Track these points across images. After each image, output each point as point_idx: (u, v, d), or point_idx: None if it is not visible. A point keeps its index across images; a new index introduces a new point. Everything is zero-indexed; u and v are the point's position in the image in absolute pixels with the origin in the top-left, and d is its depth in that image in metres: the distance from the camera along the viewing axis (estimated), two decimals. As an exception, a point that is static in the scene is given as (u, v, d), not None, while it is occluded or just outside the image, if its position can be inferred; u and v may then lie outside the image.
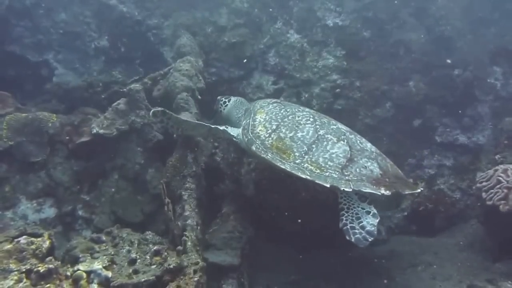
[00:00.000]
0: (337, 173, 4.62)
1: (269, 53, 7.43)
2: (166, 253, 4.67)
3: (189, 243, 4.61)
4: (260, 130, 5.21)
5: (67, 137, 6.03)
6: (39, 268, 3.93)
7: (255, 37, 7.48)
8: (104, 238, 4.91)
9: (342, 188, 4.50)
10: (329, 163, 4.70)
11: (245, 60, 7.34)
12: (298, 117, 5.23)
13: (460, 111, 6.86)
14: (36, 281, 3.88)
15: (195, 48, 6.94)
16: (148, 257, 4.64)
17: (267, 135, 5.12)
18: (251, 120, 5.44)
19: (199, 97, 6.30)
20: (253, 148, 5.09)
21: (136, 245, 4.83)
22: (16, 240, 4.22)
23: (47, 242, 4.35)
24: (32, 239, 4.27)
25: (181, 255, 4.46)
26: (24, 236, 4.27)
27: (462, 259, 5.61)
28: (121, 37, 7.64)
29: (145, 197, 5.94)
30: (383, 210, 5.90)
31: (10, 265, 3.95)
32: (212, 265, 4.77)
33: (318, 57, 7.23)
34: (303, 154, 4.81)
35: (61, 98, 6.65)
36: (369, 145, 5.09)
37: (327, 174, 4.63)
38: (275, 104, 5.58)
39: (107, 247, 4.78)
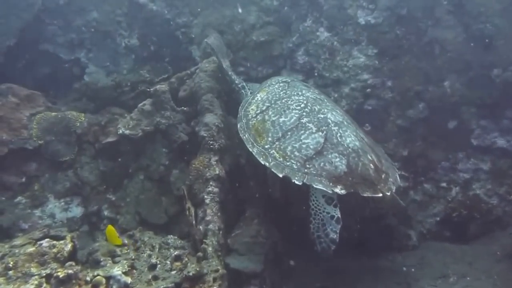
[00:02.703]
0: (298, 164, 4.64)
1: (298, 51, 7.23)
2: (187, 259, 4.68)
3: (210, 249, 4.59)
4: (251, 109, 5.37)
5: (94, 137, 6.11)
6: (59, 273, 4.00)
7: (284, 36, 7.29)
8: (126, 241, 4.96)
9: (293, 181, 4.53)
10: (295, 152, 4.72)
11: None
12: (292, 101, 5.25)
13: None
14: (55, 286, 3.94)
15: (222, 48, 6.85)
16: (169, 262, 4.65)
17: (254, 115, 5.26)
18: (251, 97, 5.61)
19: (225, 97, 6.23)
20: (238, 126, 5.27)
21: (157, 249, 4.85)
22: (39, 243, 4.30)
23: (69, 245, 4.42)
24: (54, 242, 4.36)
25: (201, 262, 4.44)
26: (47, 239, 4.36)
27: (499, 271, 5.30)
28: (150, 36, 7.62)
29: (169, 198, 5.93)
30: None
31: (31, 269, 4.04)
32: (233, 271, 4.71)
33: (348, 56, 6.98)
34: (275, 140, 4.88)
35: (90, 97, 6.70)
36: (349, 139, 4.91)
37: (287, 164, 4.67)
38: (281, 84, 5.70)
39: (128, 250, 4.84)
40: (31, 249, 4.22)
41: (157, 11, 7.52)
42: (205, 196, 5.15)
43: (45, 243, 4.30)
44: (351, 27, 7.06)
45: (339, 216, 4.63)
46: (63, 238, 4.53)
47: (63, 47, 7.48)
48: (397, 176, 5.27)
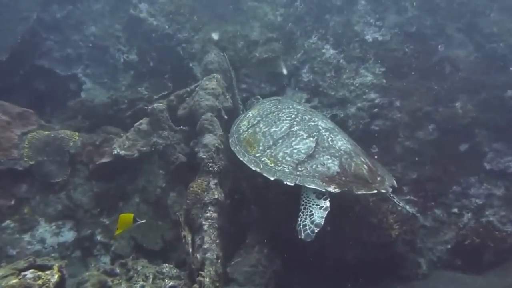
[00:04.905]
0: (290, 168, 4.74)
1: (303, 69, 7.01)
2: (182, 290, 4.37)
3: (207, 280, 4.32)
4: (243, 125, 5.56)
5: (88, 157, 5.83)
6: (41, 310, 3.68)
7: (288, 52, 7.08)
8: (118, 270, 4.65)
9: (285, 182, 4.61)
10: (286, 158, 4.83)
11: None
12: (283, 113, 5.45)
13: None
14: (37, 324, 3.63)
15: (223, 65, 6.60)
16: (163, 295, 4.34)
17: (245, 130, 5.43)
18: (243, 115, 5.88)
19: (226, 117, 5.96)
20: (230, 140, 5.41)
21: (151, 279, 4.55)
22: (23, 274, 3.99)
23: (56, 276, 4.10)
24: (40, 273, 4.03)
25: (197, 295, 4.15)
26: (31, 270, 4.02)
27: (516, 308, 5.01)
28: (150, 51, 7.41)
29: (166, 222, 5.66)
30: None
31: (13, 304, 3.72)
32: (232, 304, 4.46)
33: (355, 74, 6.74)
34: (266, 148, 5.01)
35: (86, 115, 6.44)
36: (341, 143, 5.03)
37: (279, 168, 4.76)
38: (273, 101, 5.95)
39: (120, 281, 4.54)
40: (14, 281, 3.88)
41: (157, 25, 7.33)
42: (203, 222, 4.87)
43: (29, 274, 3.97)
44: (358, 44, 6.86)
45: (328, 205, 4.52)
46: (50, 267, 4.20)
47: (59, 62, 7.30)
48: (394, 181, 5.19)
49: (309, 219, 4.49)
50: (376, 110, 6.54)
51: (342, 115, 6.55)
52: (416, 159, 6.36)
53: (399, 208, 5.69)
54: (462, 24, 6.59)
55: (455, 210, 6.21)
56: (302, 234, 4.40)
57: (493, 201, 6.17)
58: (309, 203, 4.64)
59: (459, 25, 6.59)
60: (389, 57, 6.70)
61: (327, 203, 4.53)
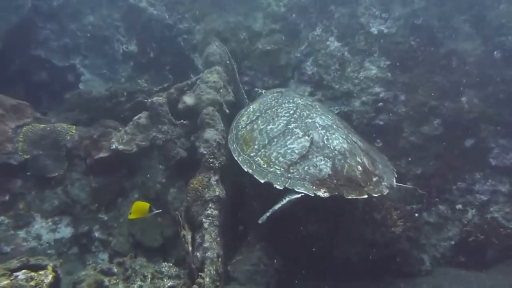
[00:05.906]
0: (282, 169, 4.64)
1: (307, 61, 6.87)
2: (182, 291, 4.26)
3: (207, 280, 4.22)
4: (242, 121, 5.46)
5: (85, 152, 5.70)
6: (33, 313, 3.56)
7: (291, 44, 6.94)
8: (115, 269, 4.52)
9: (275, 186, 4.53)
10: (280, 158, 4.73)
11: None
12: (282, 108, 5.31)
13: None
14: (29, 328, 3.51)
15: (225, 57, 6.44)
16: (162, 295, 4.23)
17: (244, 126, 5.33)
18: (244, 109, 5.76)
19: (227, 111, 5.81)
20: (229, 137, 5.33)
21: (149, 279, 4.42)
22: (15, 274, 3.86)
23: (50, 277, 3.98)
24: (33, 274, 3.90)
25: (197, 295, 4.04)
26: (24, 271, 3.90)
27: (520, 306, 4.93)
28: (150, 42, 7.24)
29: (165, 219, 5.49)
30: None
31: (3, 307, 3.60)
32: (232, 304, 4.37)
33: (359, 67, 6.61)
34: (261, 148, 4.92)
35: (83, 108, 6.29)
36: (336, 142, 4.87)
37: (271, 170, 4.68)
38: (275, 94, 5.80)
39: (117, 280, 4.40)
40: (4, 282, 3.75)
41: (157, 15, 7.15)
42: (204, 220, 4.75)
43: (21, 275, 3.83)
44: (363, 37, 6.72)
45: (298, 197, 4.44)
46: (44, 267, 4.07)
47: (56, 52, 7.12)
48: (394, 180, 5.05)
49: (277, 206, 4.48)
50: (380, 104, 6.43)
51: (346, 110, 6.41)
52: (421, 154, 6.27)
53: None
54: (470, 16, 6.43)
55: (460, 206, 6.15)
56: (261, 218, 4.38)
57: (498, 197, 6.10)
58: (286, 196, 4.57)
59: (466, 17, 6.43)
60: (394, 50, 6.56)
61: (297, 196, 4.46)
